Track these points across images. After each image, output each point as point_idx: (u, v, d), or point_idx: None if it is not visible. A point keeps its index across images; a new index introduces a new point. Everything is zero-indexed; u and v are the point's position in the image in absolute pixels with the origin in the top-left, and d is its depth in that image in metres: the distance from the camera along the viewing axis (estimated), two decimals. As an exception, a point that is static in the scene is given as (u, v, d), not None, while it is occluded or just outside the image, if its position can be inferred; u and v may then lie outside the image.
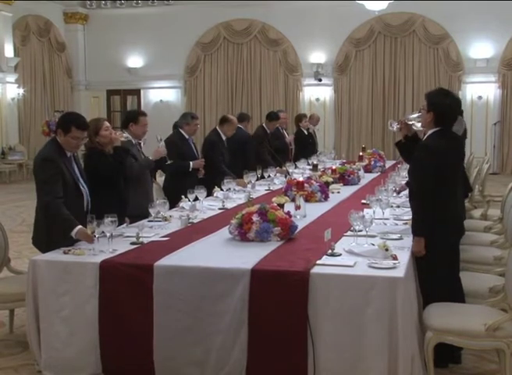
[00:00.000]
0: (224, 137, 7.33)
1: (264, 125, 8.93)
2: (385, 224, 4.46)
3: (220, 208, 5.30)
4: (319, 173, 6.98)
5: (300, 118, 10.37)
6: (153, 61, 17.87)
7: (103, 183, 4.58)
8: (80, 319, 3.62)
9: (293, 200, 5.01)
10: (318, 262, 3.45)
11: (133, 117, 5.60)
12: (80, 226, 3.90)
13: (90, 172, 4.53)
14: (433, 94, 3.89)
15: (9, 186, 14.62)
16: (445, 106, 3.80)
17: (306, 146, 9.97)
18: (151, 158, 5.59)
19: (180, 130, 6.70)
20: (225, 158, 7.20)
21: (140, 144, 5.64)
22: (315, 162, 8.25)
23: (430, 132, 3.87)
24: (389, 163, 8.99)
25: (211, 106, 17.72)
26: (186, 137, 6.68)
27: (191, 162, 6.57)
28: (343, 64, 16.89)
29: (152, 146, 8.09)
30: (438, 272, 3.79)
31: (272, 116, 8.99)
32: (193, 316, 3.45)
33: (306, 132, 10.21)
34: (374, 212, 4.52)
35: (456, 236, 3.97)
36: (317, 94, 17.27)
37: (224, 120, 7.41)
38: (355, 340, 3.25)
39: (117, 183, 4.77)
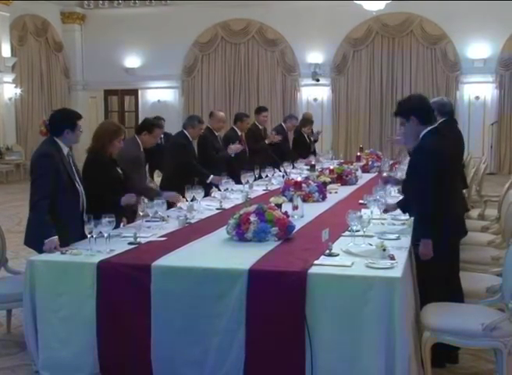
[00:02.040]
0: (216, 133, 7.40)
1: (255, 122, 8.90)
2: (383, 224, 4.46)
3: (218, 209, 5.30)
4: (317, 173, 6.98)
5: (304, 123, 10.36)
6: (150, 61, 17.85)
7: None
8: (77, 319, 3.62)
9: (291, 200, 5.01)
10: (315, 262, 3.45)
11: (148, 127, 5.72)
12: (55, 237, 3.88)
13: (88, 178, 4.51)
14: (399, 107, 4.05)
15: (7, 186, 14.60)
16: (415, 104, 3.96)
17: (303, 150, 9.99)
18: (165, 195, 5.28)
19: (184, 131, 6.76)
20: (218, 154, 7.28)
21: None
22: (313, 163, 8.24)
23: (423, 133, 3.89)
24: (386, 163, 8.97)
25: (208, 106, 17.64)
26: (190, 139, 6.79)
27: (212, 176, 6.59)
28: (340, 64, 16.88)
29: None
30: (437, 272, 3.80)
31: (259, 109, 9.00)
32: (191, 316, 3.46)
33: (306, 136, 10.24)
34: (371, 212, 4.52)
35: (456, 236, 3.98)
36: (314, 94, 17.27)
37: (209, 115, 7.58)
38: (353, 340, 3.26)
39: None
